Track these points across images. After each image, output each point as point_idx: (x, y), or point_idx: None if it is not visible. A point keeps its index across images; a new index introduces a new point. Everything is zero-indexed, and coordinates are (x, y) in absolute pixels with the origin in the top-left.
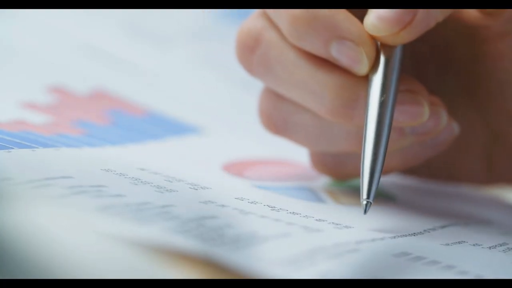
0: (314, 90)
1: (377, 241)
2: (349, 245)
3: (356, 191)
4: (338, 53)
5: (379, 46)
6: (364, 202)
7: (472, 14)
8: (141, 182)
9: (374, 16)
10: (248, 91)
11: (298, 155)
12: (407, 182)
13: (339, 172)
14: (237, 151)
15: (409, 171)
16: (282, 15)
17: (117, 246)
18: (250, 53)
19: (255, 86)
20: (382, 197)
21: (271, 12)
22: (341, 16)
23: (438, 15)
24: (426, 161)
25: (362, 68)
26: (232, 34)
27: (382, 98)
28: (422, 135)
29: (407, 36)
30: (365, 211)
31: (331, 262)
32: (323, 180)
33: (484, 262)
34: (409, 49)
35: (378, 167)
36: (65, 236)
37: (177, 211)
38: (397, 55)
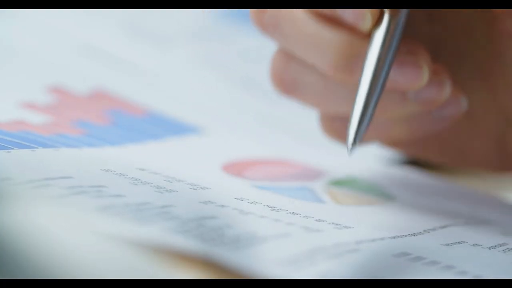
0: (319, 47)
1: (377, 241)
2: (349, 245)
3: (356, 191)
4: (343, 9)
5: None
6: (350, 146)
7: None
8: (141, 182)
9: None
10: (248, 91)
11: (298, 155)
12: (408, 182)
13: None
14: (237, 151)
15: (420, 154)
16: None
17: (117, 246)
18: (261, 12)
19: (255, 86)
20: (382, 197)
21: None
22: None
23: None
24: (438, 143)
25: (365, 24)
26: (232, 34)
27: (381, 53)
28: (425, 103)
29: None
30: (349, 152)
31: (331, 262)
32: (323, 180)
33: (484, 262)
34: (426, 29)
35: (367, 114)
36: (65, 236)
37: (177, 211)
38: (402, 15)
